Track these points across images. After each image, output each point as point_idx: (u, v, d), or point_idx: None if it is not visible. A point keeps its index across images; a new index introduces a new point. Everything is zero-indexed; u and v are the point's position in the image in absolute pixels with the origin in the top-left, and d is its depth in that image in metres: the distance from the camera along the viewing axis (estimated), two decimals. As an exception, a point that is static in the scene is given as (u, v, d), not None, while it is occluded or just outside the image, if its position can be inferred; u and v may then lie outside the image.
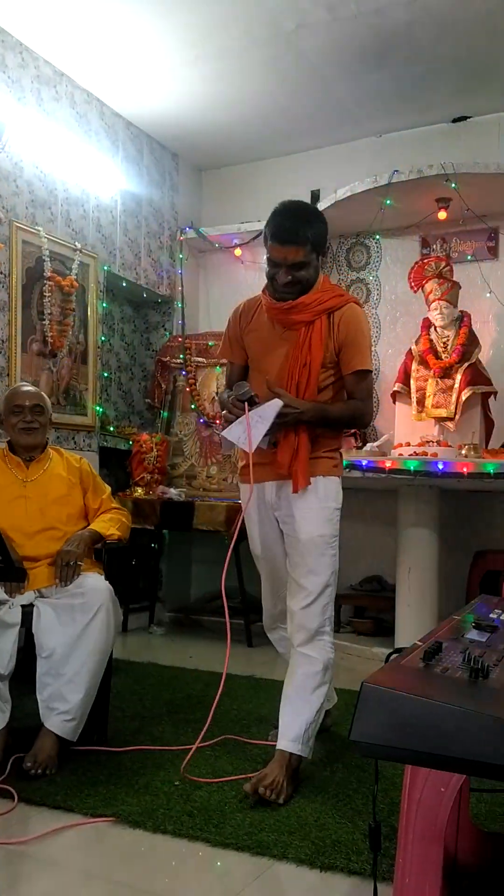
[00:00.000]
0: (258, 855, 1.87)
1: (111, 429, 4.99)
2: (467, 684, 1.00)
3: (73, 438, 4.47)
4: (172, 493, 4.84)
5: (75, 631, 2.49)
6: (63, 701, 2.42)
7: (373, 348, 2.49)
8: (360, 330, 2.46)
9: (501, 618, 1.54)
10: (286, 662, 2.78)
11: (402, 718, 0.91)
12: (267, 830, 1.97)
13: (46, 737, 2.39)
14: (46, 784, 2.24)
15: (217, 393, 5.20)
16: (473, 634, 1.34)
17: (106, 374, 5.03)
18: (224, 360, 2.87)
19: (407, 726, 0.91)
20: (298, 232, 2.33)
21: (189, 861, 1.86)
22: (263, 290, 2.58)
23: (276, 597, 2.67)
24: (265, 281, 2.48)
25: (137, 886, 1.75)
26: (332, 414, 2.44)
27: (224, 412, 2.48)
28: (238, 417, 2.35)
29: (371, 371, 2.49)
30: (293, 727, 2.30)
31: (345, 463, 3.99)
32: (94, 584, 2.59)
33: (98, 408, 4.67)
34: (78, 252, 4.43)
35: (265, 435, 2.31)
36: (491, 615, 1.56)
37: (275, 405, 2.31)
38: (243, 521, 2.52)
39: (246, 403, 2.33)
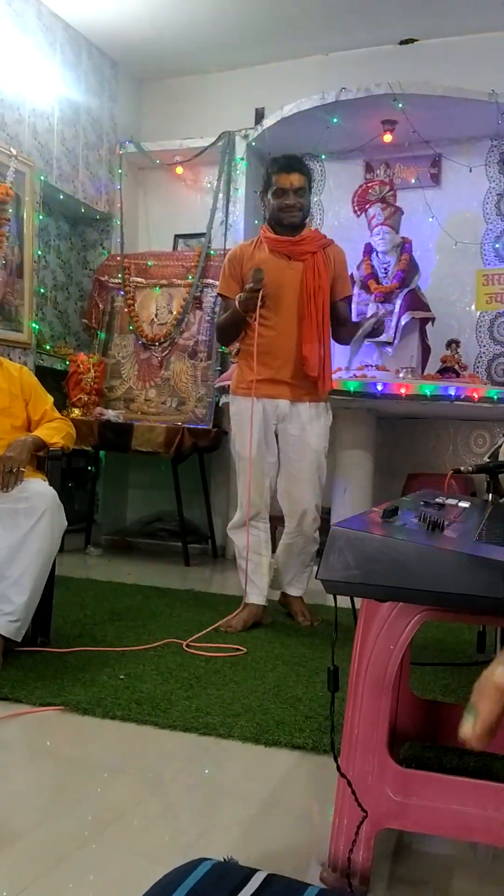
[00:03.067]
0: (205, 735, 1.94)
1: (47, 347, 4.88)
2: (426, 533, 1.06)
3: (9, 355, 4.35)
4: (110, 414, 4.80)
5: (19, 534, 2.47)
6: (8, 602, 2.42)
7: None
8: (346, 264, 3.15)
9: (446, 501, 1.62)
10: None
11: (368, 556, 0.96)
12: (213, 714, 2.05)
13: (-10, 636, 2.40)
14: (-8, 680, 2.26)
15: (156, 314, 5.13)
16: (425, 509, 1.41)
17: (42, 291, 4.89)
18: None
19: (372, 562, 0.96)
20: (298, 162, 2.98)
21: (138, 740, 1.92)
22: (263, 230, 3.07)
23: (257, 497, 3.05)
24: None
25: (91, 763, 1.80)
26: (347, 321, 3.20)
27: (242, 302, 2.91)
28: (253, 304, 2.88)
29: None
30: (302, 579, 3.23)
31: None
32: (39, 488, 2.57)
33: (34, 325, 4.55)
34: (13, 158, 4.25)
35: None
36: (437, 499, 1.63)
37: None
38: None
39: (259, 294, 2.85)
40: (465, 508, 1.54)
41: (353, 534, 0.98)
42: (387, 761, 1.27)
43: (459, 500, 1.65)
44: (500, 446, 2.35)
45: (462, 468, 2.03)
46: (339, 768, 1.20)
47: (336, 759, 1.20)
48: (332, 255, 3.06)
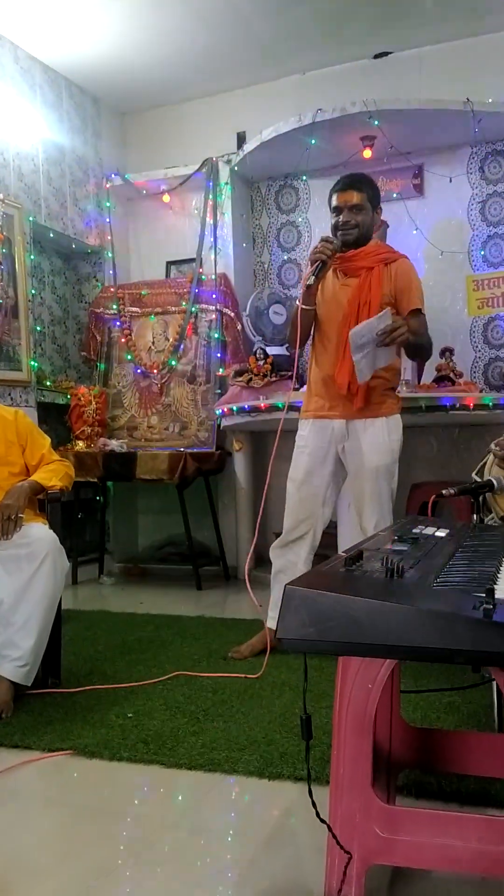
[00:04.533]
0: (210, 771, 1.98)
1: (48, 383, 4.95)
2: (382, 583, 1.09)
3: (10, 395, 4.43)
4: (114, 444, 4.86)
5: (23, 580, 2.52)
6: (15, 647, 2.47)
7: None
8: (413, 277, 2.92)
9: (423, 532, 1.64)
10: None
11: (323, 614, 1.00)
12: (218, 749, 2.08)
13: (0, 683, 2.45)
14: (2, 726, 2.31)
15: (153, 342, 5.20)
16: (395, 546, 1.44)
17: (39, 328, 4.96)
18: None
19: (327, 620, 0.99)
20: (355, 181, 2.89)
21: (145, 782, 1.96)
22: None
23: (299, 520, 2.98)
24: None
25: (97, 809, 1.84)
26: (421, 339, 2.86)
27: (314, 258, 2.81)
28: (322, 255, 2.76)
29: (423, 313, 2.90)
30: None
31: (279, 405, 4.08)
32: (39, 533, 2.62)
33: (33, 362, 4.62)
34: (0, 203, 4.32)
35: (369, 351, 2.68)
36: (414, 530, 1.66)
37: (384, 316, 2.65)
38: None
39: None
40: (440, 539, 1.57)
41: (307, 592, 1.01)
42: (371, 800, 1.30)
43: (437, 529, 1.68)
44: (485, 463, 2.37)
45: (444, 492, 2.05)
46: (318, 814, 1.23)
47: (315, 807, 1.23)
48: (394, 270, 2.88)
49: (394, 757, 1.68)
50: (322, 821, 1.23)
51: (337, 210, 2.88)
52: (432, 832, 1.27)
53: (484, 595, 1.01)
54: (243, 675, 2.75)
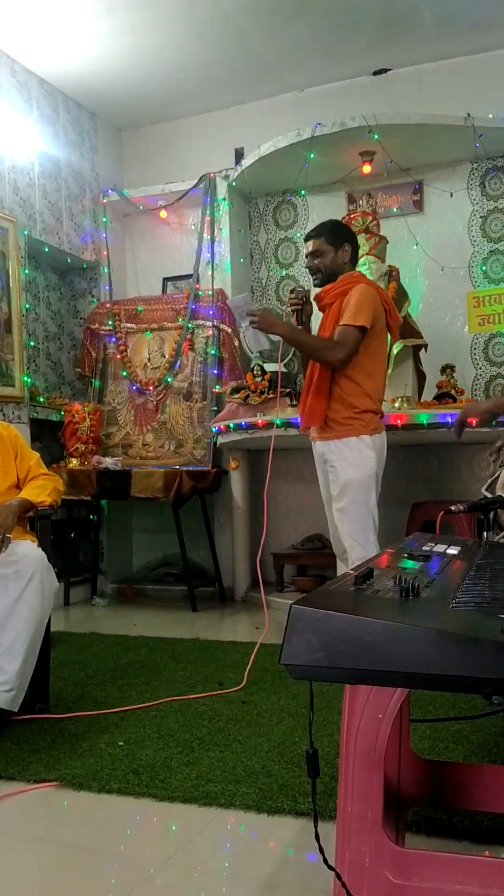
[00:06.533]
0: (205, 805, 1.86)
1: (41, 400, 4.86)
2: (397, 602, 0.99)
3: (2, 411, 4.34)
4: (108, 462, 4.76)
5: (9, 600, 2.41)
6: (0, 671, 2.36)
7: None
8: (354, 296, 2.87)
9: (434, 549, 1.55)
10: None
11: (332, 637, 0.90)
12: (214, 781, 1.97)
13: (-16, 708, 2.33)
14: (-13, 755, 2.18)
15: (148, 359, 5.12)
16: (406, 563, 1.34)
17: (32, 344, 4.88)
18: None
19: (337, 644, 0.89)
20: (312, 230, 3.07)
21: (136, 817, 1.84)
22: None
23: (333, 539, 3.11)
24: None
25: (84, 846, 1.72)
26: (301, 337, 2.95)
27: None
28: (293, 305, 3.02)
29: (350, 326, 2.83)
30: None
31: (279, 421, 3.98)
32: (27, 551, 2.51)
33: (26, 378, 4.53)
34: (-5, 216, 4.26)
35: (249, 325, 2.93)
36: (423, 548, 1.56)
37: (246, 296, 3.00)
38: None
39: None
40: (453, 556, 1.47)
41: (316, 613, 0.91)
42: (383, 842, 1.19)
43: (449, 546, 1.58)
44: (496, 477, 2.28)
45: (453, 508, 1.96)
46: (325, 861, 1.12)
47: (322, 853, 1.12)
48: (347, 297, 2.89)
49: (403, 792, 1.57)
50: (330, 867, 1.12)
51: (307, 258, 3.10)
52: (450, 878, 1.15)
53: (511, 617, 0.91)
54: (236, 689, 2.63)
